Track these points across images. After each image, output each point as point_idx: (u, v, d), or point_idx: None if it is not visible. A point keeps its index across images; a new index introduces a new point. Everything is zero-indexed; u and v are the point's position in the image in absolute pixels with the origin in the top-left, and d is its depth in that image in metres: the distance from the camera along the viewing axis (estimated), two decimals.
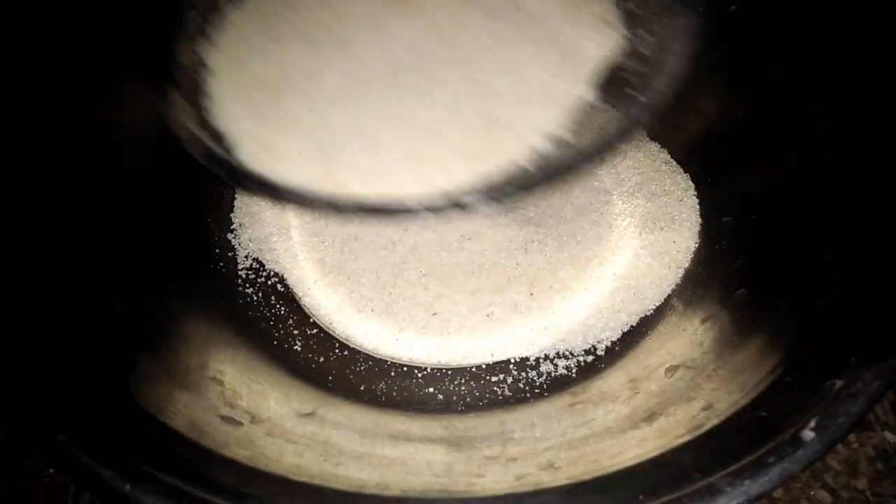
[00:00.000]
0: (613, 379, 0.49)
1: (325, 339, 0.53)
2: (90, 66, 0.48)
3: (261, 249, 0.57)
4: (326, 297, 0.55)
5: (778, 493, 0.47)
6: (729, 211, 0.55)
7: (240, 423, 0.40)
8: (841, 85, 0.49)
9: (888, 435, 0.49)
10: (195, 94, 0.45)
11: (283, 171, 0.41)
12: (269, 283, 0.56)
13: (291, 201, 0.40)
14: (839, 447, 0.49)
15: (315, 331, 0.53)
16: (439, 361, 0.52)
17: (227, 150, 0.43)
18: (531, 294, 0.53)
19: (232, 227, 0.58)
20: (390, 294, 0.54)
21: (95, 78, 0.49)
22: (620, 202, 0.58)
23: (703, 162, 0.59)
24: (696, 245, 0.55)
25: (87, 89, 0.49)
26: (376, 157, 0.41)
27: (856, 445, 0.49)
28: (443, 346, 0.52)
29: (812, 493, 0.48)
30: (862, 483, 0.48)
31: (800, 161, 0.50)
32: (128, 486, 0.32)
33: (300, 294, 0.55)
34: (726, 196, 0.55)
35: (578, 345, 0.52)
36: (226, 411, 0.41)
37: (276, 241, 0.57)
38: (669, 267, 0.54)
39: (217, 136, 0.44)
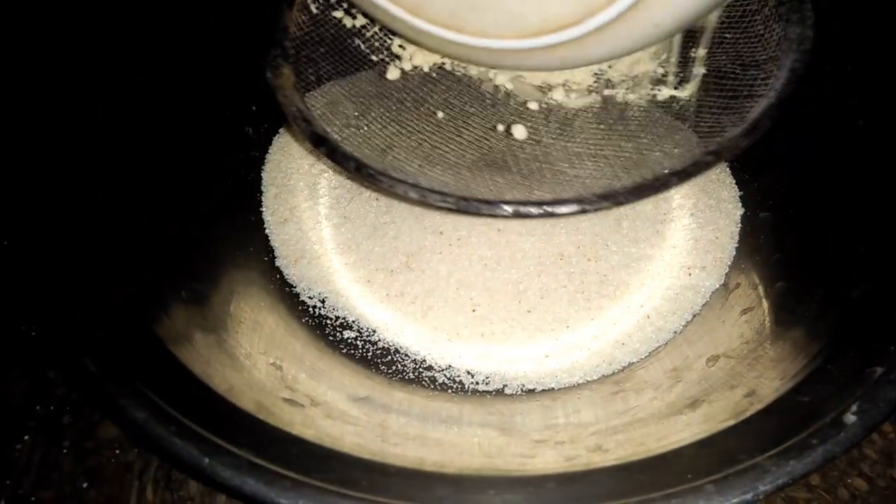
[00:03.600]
0: (654, 369, 0.50)
1: (375, 333, 0.55)
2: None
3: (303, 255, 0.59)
4: (373, 307, 0.56)
5: (816, 481, 0.49)
6: (766, 206, 0.56)
7: (301, 405, 0.42)
8: (879, 82, 0.50)
9: None
10: (301, 67, 0.49)
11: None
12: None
13: (394, 188, 0.42)
14: (875, 437, 0.50)
15: (366, 324, 0.55)
16: (487, 377, 0.53)
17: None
18: (576, 301, 0.55)
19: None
20: (443, 306, 0.55)
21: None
22: (676, 200, 0.59)
23: (739, 158, 0.60)
24: (737, 242, 0.56)
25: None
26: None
27: (892, 435, 0.50)
28: (492, 354, 0.53)
29: (849, 480, 0.49)
30: None
31: (835, 155, 0.51)
32: (206, 460, 0.34)
33: (350, 297, 0.57)
34: (764, 191, 0.57)
35: (621, 360, 0.53)
36: (287, 394, 0.43)
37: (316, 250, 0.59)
38: (713, 266, 0.55)
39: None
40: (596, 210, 0.42)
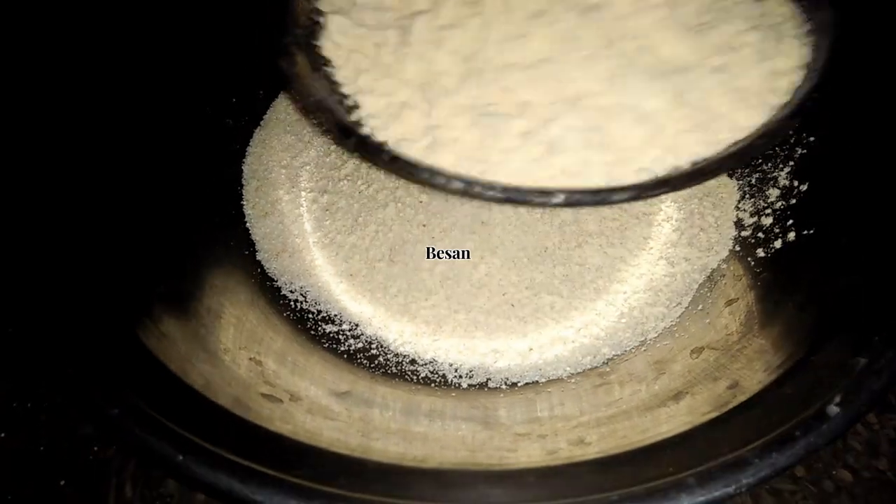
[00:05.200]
0: (638, 361, 0.50)
1: (358, 327, 0.54)
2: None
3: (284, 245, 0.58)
4: (355, 301, 0.56)
5: (801, 472, 0.48)
6: (751, 198, 0.56)
7: (280, 401, 0.42)
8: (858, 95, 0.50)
9: None
10: (314, 54, 0.46)
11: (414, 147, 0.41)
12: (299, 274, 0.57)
13: (422, 178, 0.40)
14: (860, 428, 0.50)
15: (349, 318, 0.55)
16: (470, 370, 0.52)
17: (357, 120, 0.43)
18: (559, 294, 0.54)
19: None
20: (426, 299, 0.55)
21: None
22: (667, 203, 0.59)
23: None
24: (732, 240, 0.55)
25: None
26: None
27: (877, 427, 0.50)
28: (476, 348, 0.53)
29: (834, 472, 0.48)
30: (883, 463, 0.49)
31: (820, 147, 0.51)
32: (180, 457, 0.33)
33: (333, 291, 0.56)
34: (750, 185, 0.56)
35: (605, 352, 0.52)
36: (266, 389, 0.43)
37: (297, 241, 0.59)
38: (697, 258, 0.55)
39: (345, 103, 0.44)
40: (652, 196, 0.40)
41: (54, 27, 0.48)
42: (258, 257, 0.57)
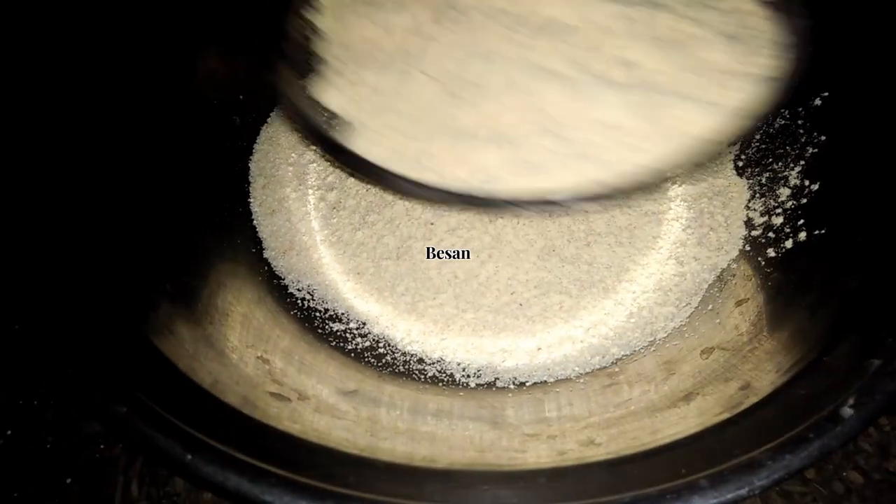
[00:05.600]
0: (648, 361, 0.50)
1: (365, 326, 0.54)
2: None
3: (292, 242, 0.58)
4: (362, 300, 0.56)
5: (811, 474, 0.48)
6: (762, 198, 0.55)
7: (288, 399, 0.42)
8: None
9: None
10: (303, 68, 0.48)
11: (397, 159, 0.43)
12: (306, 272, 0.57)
13: (401, 190, 0.43)
14: (871, 430, 0.50)
15: (356, 316, 0.54)
16: (478, 370, 0.52)
17: (336, 128, 0.45)
18: (568, 293, 0.54)
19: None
20: (434, 298, 0.54)
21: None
22: (673, 190, 0.59)
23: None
24: (742, 239, 0.55)
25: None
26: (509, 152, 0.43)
27: (888, 428, 0.50)
28: (484, 347, 0.53)
29: (844, 474, 0.48)
30: (893, 465, 0.48)
31: (830, 147, 0.51)
32: (189, 456, 0.33)
33: (340, 290, 0.56)
34: (760, 184, 0.56)
35: (614, 352, 0.52)
36: (274, 388, 0.42)
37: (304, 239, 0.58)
38: (707, 257, 0.54)
39: (326, 113, 0.47)
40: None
41: (65, 24, 0.48)
42: (265, 255, 0.57)
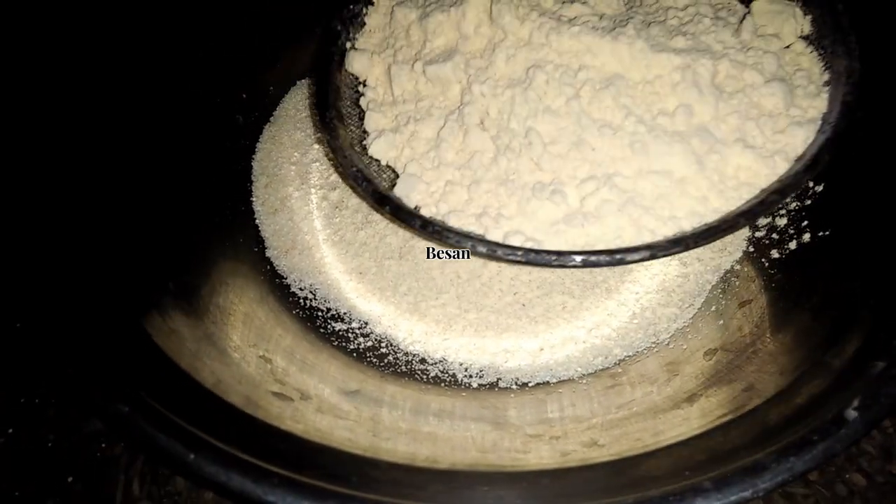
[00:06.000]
0: (651, 362, 0.49)
1: (367, 326, 0.54)
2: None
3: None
4: (365, 299, 0.55)
5: (814, 476, 0.48)
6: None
7: (290, 399, 0.42)
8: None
9: None
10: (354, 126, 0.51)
11: (456, 214, 0.45)
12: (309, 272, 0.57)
13: (459, 244, 0.43)
14: (874, 432, 0.49)
15: (358, 316, 0.54)
16: (480, 370, 0.52)
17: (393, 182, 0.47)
18: (571, 294, 0.54)
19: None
20: (436, 298, 0.54)
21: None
22: None
23: None
24: (745, 240, 0.55)
25: None
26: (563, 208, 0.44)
27: (891, 431, 0.49)
28: (486, 347, 0.53)
29: (847, 476, 0.48)
30: None
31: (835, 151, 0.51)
32: (191, 455, 0.33)
33: (342, 289, 0.56)
34: None
35: (617, 353, 0.52)
36: (276, 388, 0.42)
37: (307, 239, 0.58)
38: (710, 258, 0.54)
39: (383, 169, 0.49)
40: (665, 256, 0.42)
41: (71, 25, 0.48)
42: (267, 254, 0.56)
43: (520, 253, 0.42)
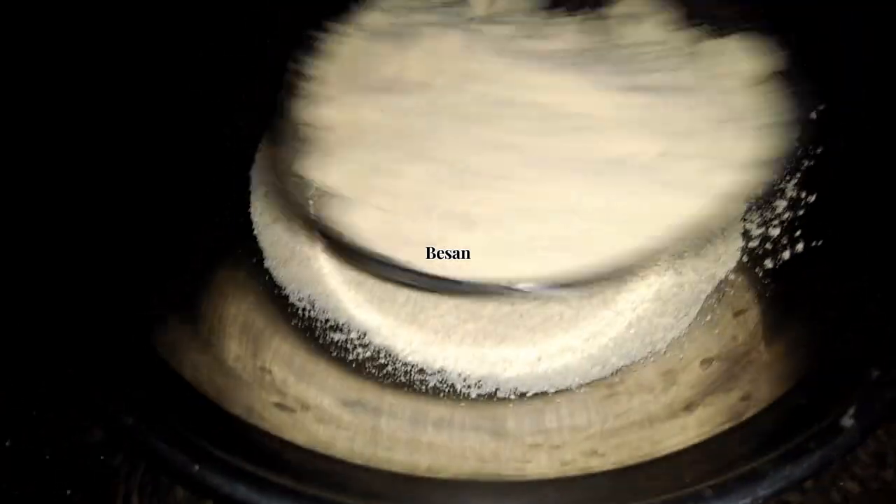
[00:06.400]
0: (648, 371, 0.50)
1: (366, 336, 0.54)
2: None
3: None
4: (363, 309, 0.56)
5: (808, 484, 0.48)
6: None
7: (292, 410, 0.42)
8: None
9: None
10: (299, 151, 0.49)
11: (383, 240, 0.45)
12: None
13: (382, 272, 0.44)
14: (868, 440, 0.50)
15: (357, 326, 0.54)
16: (479, 380, 0.52)
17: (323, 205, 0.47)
18: (568, 303, 0.54)
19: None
20: (435, 308, 0.55)
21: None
22: None
23: None
24: (739, 250, 0.55)
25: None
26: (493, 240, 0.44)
27: (885, 438, 0.50)
28: (485, 357, 0.53)
29: (841, 483, 0.48)
30: (890, 474, 0.49)
31: (829, 155, 0.52)
32: (196, 467, 0.33)
33: (341, 300, 0.56)
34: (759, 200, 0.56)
35: (614, 362, 0.52)
36: (277, 398, 0.43)
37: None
38: (705, 268, 0.55)
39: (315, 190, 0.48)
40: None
41: (68, 33, 0.48)
42: (266, 265, 0.57)
43: (407, 274, 0.43)
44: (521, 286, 0.42)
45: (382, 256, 0.44)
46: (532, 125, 0.48)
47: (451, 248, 0.44)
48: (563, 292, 0.43)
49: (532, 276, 0.43)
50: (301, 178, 0.48)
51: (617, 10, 0.56)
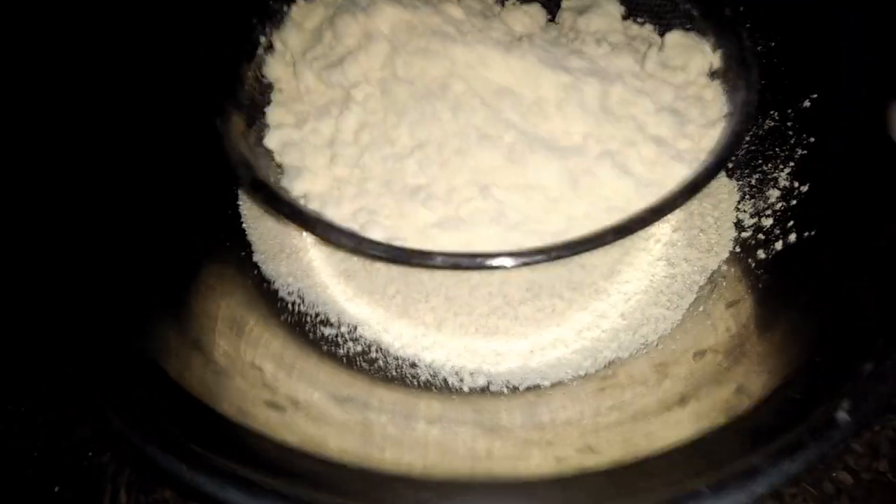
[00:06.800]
0: (641, 364, 0.50)
1: (357, 330, 0.54)
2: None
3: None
4: (354, 303, 0.55)
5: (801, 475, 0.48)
6: (751, 200, 0.56)
7: (283, 409, 0.41)
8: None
9: None
10: (254, 117, 0.51)
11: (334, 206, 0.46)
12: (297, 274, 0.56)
13: (341, 243, 0.44)
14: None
15: (347, 320, 0.54)
16: (471, 373, 0.52)
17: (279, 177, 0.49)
18: (560, 296, 0.54)
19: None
20: (426, 301, 0.54)
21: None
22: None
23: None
24: (732, 241, 0.55)
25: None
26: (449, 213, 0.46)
27: (877, 428, 0.50)
28: (476, 350, 0.52)
29: (834, 474, 0.49)
30: (883, 465, 0.49)
31: (819, 154, 0.51)
32: (185, 468, 0.33)
33: (331, 293, 0.56)
34: (750, 186, 0.56)
35: (606, 355, 0.52)
36: (268, 396, 0.42)
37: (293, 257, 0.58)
38: (697, 259, 0.55)
39: (273, 164, 0.50)
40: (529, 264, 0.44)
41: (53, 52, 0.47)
42: (255, 259, 0.56)
43: (381, 248, 0.43)
44: (495, 261, 0.43)
45: (351, 230, 0.45)
46: (481, 104, 0.49)
47: (415, 223, 0.46)
48: (532, 260, 0.44)
49: (485, 246, 0.44)
50: (260, 146, 0.50)
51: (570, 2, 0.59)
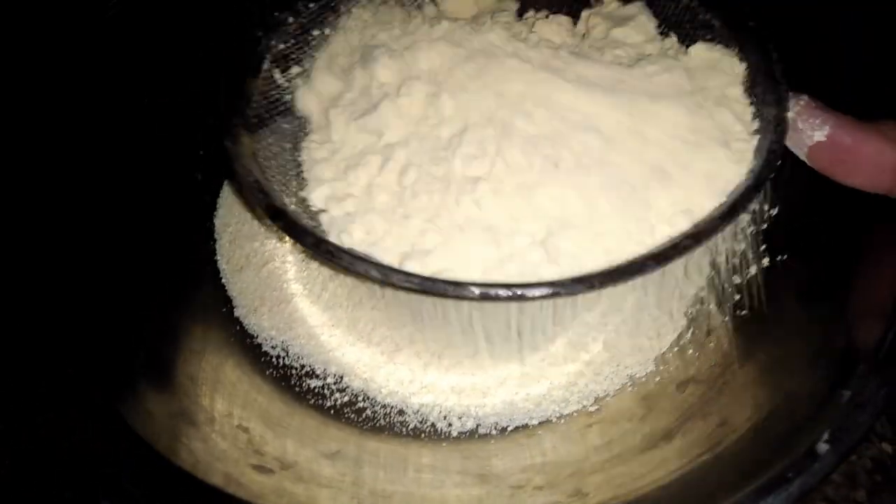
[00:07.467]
0: (626, 398, 0.50)
1: (343, 380, 0.54)
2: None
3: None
4: (338, 352, 0.55)
5: None
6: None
7: (271, 471, 0.41)
8: None
9: (886, 446, 0.51)
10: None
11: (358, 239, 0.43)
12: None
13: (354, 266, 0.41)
14: None
15: (333, 370, 0.54)
16: (460, 416, 0.52)
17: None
18: (545, 332, 0.54)
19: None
20: (410, 345, 0.54)
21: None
22: None
23: None
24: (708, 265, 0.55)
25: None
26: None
27: (854, 457, 0.50)
28: (462, 391, 0.53)
29: None
30: (861, 495, 0.49)
31: (789, 179, 0.52)
32: None
33: (315, 343, 0.56)
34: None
35: (592, 389, 0.52)
36: (255, 459, 0.42)
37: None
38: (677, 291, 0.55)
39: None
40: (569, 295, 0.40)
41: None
42: (236, 314, 0.56)
43: (415, 280, 0.40)
44: (530, 291, 0.39)
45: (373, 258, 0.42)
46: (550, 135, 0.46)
47: (429, 250, 0.43)
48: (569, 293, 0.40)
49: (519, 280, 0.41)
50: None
51: (598, 12, 0.56)
